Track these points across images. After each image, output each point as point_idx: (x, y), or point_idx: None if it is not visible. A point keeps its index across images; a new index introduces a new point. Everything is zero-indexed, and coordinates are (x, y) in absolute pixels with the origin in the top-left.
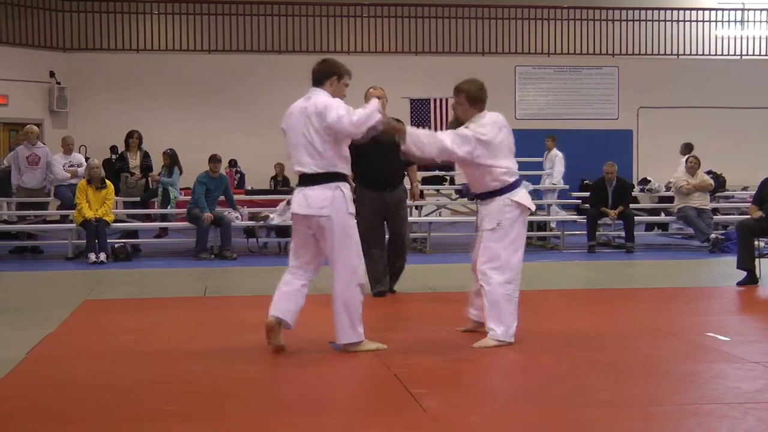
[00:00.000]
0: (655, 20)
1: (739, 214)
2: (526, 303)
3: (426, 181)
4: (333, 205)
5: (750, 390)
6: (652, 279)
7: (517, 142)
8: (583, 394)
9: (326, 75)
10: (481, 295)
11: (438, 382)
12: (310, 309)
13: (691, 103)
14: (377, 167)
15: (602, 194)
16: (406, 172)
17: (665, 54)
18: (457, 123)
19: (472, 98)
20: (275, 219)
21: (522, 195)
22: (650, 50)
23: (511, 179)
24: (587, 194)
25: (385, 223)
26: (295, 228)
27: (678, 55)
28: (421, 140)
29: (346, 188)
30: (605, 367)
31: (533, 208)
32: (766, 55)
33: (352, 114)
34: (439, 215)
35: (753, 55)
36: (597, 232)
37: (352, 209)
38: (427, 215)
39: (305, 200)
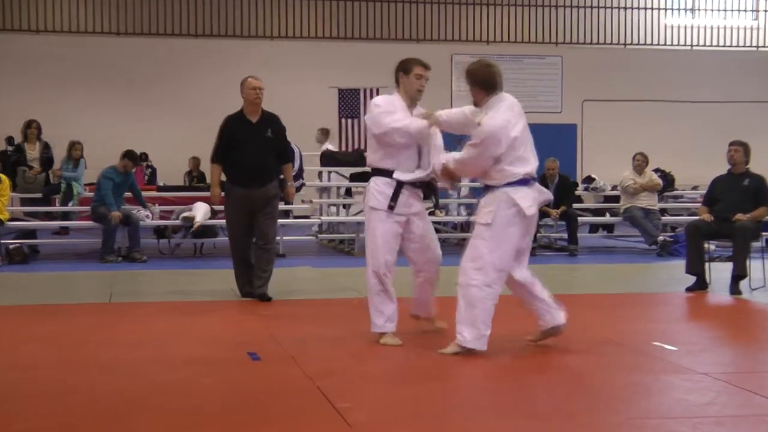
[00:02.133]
0: (602, 7)
1: (689, 215)
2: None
3: (355, 177)
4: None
5: (698, 403)
6: (596, 284)
7: (454, 136)
8: (522, 405)
9: (395, 74)
10: (540, 302)
11: (365, 394)
12: (232, 315)
13: (638, 96)
14: (247, 162)
15: None
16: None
17: (612, 43)
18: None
19: (477, 81)
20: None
21: (522, 194)
22: (596, 39)
23: (521, 173)
24: None
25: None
26: None
27: (625, 44)
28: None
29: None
30: (546, 377)
31: (528, 213)
32: (718, 45)
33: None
34: None
35: (704, 45)
36: (538, 234)
37: (373, 202)
38: (355, 215)
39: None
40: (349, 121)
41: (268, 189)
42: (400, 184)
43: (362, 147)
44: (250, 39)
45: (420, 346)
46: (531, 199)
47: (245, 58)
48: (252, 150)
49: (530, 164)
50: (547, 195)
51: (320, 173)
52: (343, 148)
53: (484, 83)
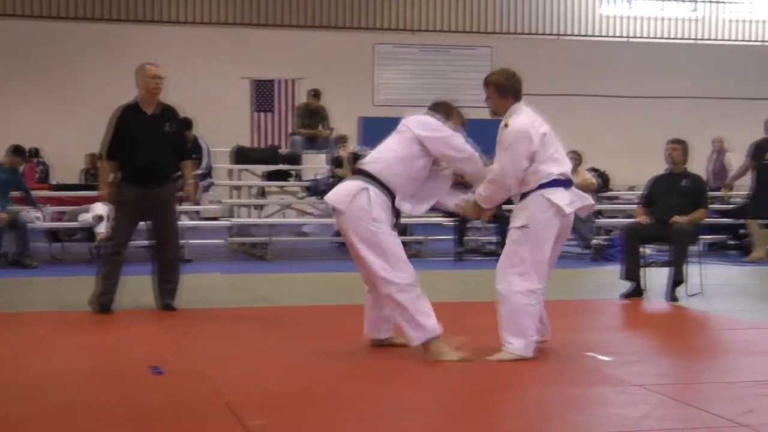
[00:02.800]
0: None
1: (625, 218)
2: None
3: (269, 175)
4: None
5: (633, 417)
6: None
7: (376, 132)
8: (444, 421)
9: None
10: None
11: (279, 412)
12: (133, 326)
13: (572, 90)
14: (143, 158)
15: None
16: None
17: (544, 33)
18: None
19: (501, 89)
20: None
21: (559, 195)
22: (528, 29)
23: (555, 173)
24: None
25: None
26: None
27: (559, 35)
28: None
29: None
30: (472, 389)
31: (567, 210)
32: (655, 37)
33: None
34: (283, 216)
35: (641, 37)
36: (465, 237)
37: (378, 214)
38: (268, 216)
39: None
40: (263, 114)
41: (166, 189)
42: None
43: (277, 143)
44: (155, 24)
45: (344, 360)
46: (568, 198)
47: (149, 44)
48: (149, 145)
49: (564, 165)
50: (588, 200)
51: (231, 171)
52: (256, 144)
53: (506, 90)
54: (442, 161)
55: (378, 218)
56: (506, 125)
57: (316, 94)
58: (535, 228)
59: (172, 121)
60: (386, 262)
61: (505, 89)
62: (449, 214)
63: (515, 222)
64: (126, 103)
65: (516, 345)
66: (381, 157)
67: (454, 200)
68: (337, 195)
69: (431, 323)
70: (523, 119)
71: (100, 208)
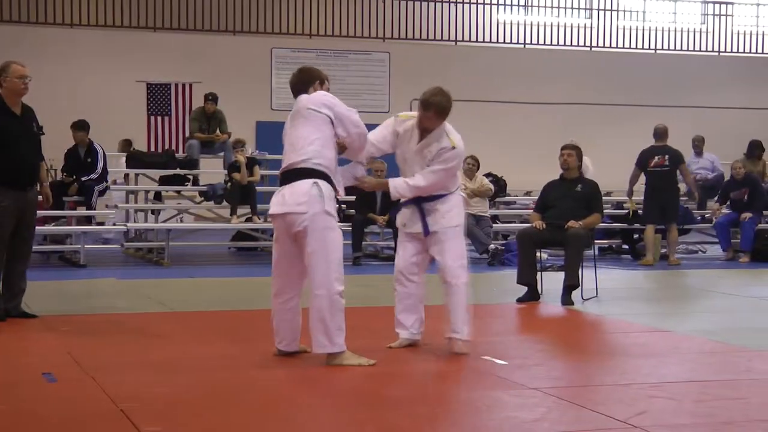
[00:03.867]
0: (431, 0)
1: (521, 222)
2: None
3: (165, 180)
4: None
5: (528, 419)
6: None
7: (273, 136)
8: (347, 427)
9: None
10: (412, 310)
11: (175, 418)
12: (23, 332)
13: (469, 96)
14: (20, 159)
15: (369, 198)
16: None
17: (442, 39)
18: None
19: (443, 112)
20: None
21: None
22: (425, 35)
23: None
24: (353, 198)
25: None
26: None
27: (456, 41)
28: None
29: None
30: (373, 394)
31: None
32: (551, 44)
33: None
34: (181, 221)
35: (537, 44)
36: (363, 242)
37: (331, 208)
38: (165, 221)
39: None
40: (159, 118)
41: (34, 193)
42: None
43: (172, 147)
44: (47, 26)
45: (246, 367)
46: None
47: (41, 47)
48: (23, 145)
49: None
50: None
51: (126, 176)
52: (152, 149)
53: (444, 112)
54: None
55: (331, 212)
56: (453, 147)
57: (213, 98)
58: (462, 225)
59: (35, 121)
60: (331, 264)
61: (445, 111)
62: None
63: (450, 221)
64: None
65: (466, 331)
66: (309, 149)
67: (353, 174)
68: (293, 199)
69: (341, 341)
70: (459, 138)
71: None
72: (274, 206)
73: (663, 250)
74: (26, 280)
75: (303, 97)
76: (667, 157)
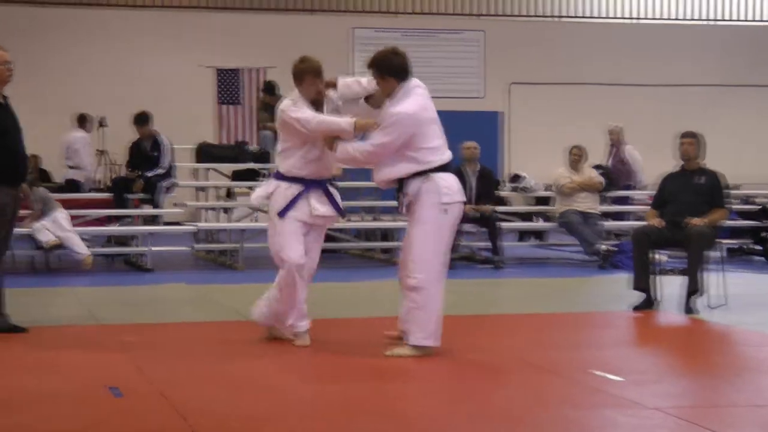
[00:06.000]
0: None
1: (635, 220)
2: (369, 332)
3: (237, 175)
4: None
5: None
6: (525, 302)
7: None
8: None
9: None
10: None
11: None
12: (89, 343)
13: (575, 79)
14: (16, 153)
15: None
16: None
17: (543, 15)
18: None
19: (382, 69)
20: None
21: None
22: (525, 10)
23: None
24: None
25: None
26: None
27: (560, 16)
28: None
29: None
30: (466, 411)
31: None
32: (668, 18)
33: None
34: (255, 220)
35: (650, 18)
36: (457, 243)
37: None
38: (238, 220)
39: None
40: (229, 107)
41: (19, 190)
42: None
43: (245, 138)
44: (107, 8)
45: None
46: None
47: (100, 29)
48: (16, 138)
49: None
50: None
51: (195, 171)
52: (223, 141)
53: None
54: None
55: None
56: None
57: (267, 88)
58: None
59: (12, 109)
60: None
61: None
62: None
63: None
64: None
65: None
66: None
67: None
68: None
69: None
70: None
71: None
72: (460, 194)
73: None
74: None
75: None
76: None
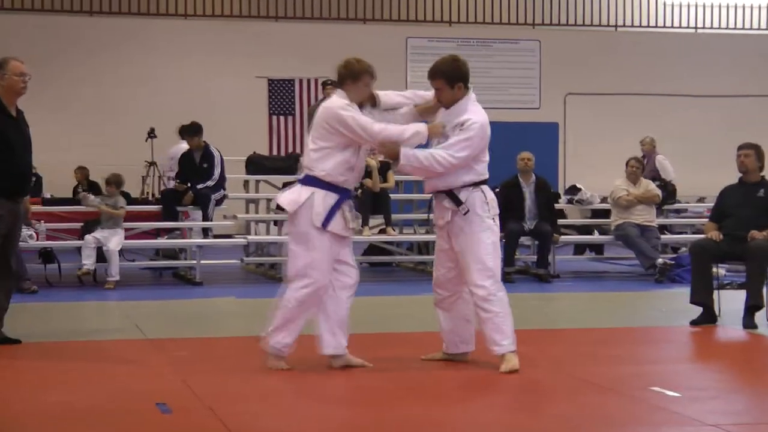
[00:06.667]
0: None
1: (694, 233)
2: (420, 346)
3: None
4: None
5: None
6: (580, 316)
7: None
8: None
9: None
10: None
11: None
12: (136, 357)
13: (632, 89)
14: (20, 166)
15: (517, 198)
16: None
17: (600, 25)
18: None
19: (451, 78)
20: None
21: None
22: (581, 20)
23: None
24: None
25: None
26: None
27: (616, 26)
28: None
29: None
30: (516, 429)
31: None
32: (727, 27)
33: None
34: None
35: (711, 27)
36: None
37: None
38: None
39: None
40: (282, 118)
41: (22, 204)
42: None
43: (297, 150)
44: (158, 17)
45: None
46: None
47: (151, 40)
48: (21, 151)
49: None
50: None
51: (246, 182)
52: (274, 152)
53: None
54: None
55: None
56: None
57: (333, 84)
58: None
59: (26, 123)
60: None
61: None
62: None
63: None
64: None
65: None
66: None
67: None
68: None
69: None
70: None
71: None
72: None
73: None
74: (9, 300)
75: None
76: None
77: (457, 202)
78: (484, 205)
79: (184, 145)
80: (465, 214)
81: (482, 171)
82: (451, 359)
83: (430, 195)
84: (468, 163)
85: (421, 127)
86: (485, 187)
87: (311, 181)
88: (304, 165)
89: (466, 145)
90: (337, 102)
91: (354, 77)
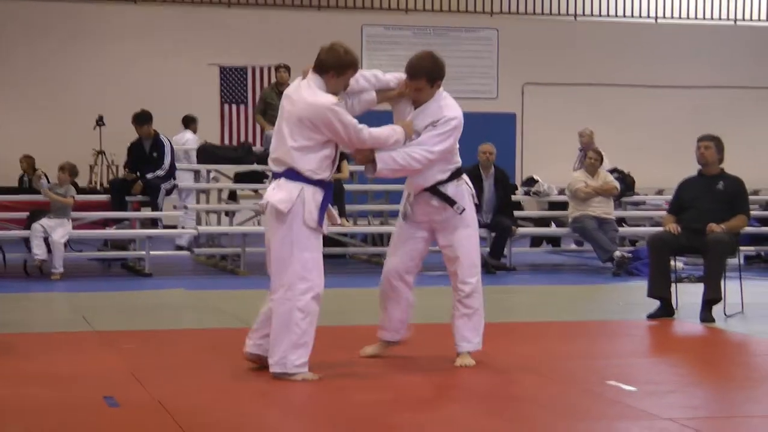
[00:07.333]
0: None
1: (652, 226)
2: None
3: (241, 177)
4: None
5: None
6: (537, 310)
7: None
8: None
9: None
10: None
11: None
12: (83, 349)
13: (591, 80)
14: None
15: (476, 190)
16: None
17: (559, 14)
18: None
19: (432, 77)
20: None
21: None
22: (539, 9)
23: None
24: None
25: None
26: None
27: (575, 15)
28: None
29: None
30: (473, 425)
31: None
32: (688, 18)
33: None
34: (258, 224)
35: (671, 18)
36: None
37: None
38: (241, 224)
39: None
40: (234, 107)
41: None
42: None
43: (249, 140)
44: (108, 2)
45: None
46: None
47: (101, 26)
48: None
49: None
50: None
51: (197, 172)
52: (226, 141)
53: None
54: None
55: None
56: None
57: (286, 68)
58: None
59: None
60: None
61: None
62: None
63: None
64: None
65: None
66: None
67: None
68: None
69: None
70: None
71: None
72: None
73: None
74: None
75: None
76: None
77: (450, 202)
78: (470, 197)
79: (188, 135)
80: (461, 213)
81: (454, 160)
82: (390, 347)
83: (407, 192)
84: (445, 156)
85: (400, 134)
86: (466, 177)
87: (295, 176)
88: (279, 158)
89: (442, 138)
90: (323, 99)
91: (340, 70)
